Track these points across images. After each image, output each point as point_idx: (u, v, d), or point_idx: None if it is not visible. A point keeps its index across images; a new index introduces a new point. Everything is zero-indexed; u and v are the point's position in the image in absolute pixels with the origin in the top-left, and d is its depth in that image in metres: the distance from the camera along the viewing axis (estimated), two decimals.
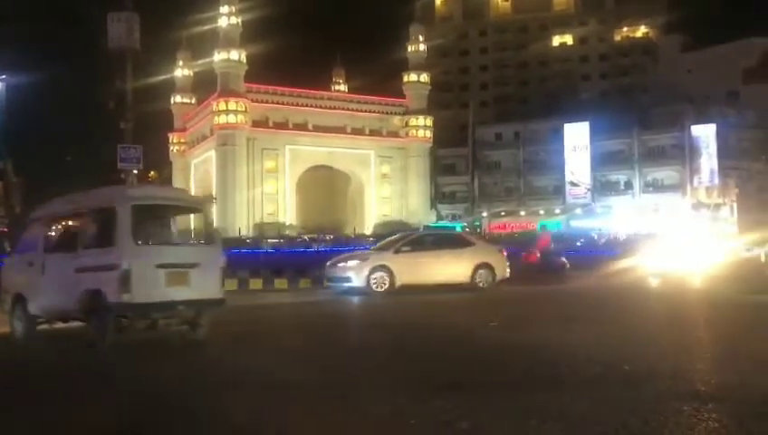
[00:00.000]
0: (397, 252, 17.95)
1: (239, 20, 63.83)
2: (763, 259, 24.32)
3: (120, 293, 8.53)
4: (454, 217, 77.12)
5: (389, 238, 21.10)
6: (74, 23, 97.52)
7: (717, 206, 66.46)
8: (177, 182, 75.53)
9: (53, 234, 10.34)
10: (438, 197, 79.14)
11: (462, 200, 79.21)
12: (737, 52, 74.38)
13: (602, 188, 72.88)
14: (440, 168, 78.71)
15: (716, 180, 67.11)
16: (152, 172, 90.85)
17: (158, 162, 79.79)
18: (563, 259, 23.62)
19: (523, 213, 73.14)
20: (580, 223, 67.55)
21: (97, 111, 42.95)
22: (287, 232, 58.85)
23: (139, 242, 9.03)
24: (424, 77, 70.29)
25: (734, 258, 24.71)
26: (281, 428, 5.15)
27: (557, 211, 71.94)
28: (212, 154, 65.51)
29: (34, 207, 11.98)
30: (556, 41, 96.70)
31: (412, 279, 17.49)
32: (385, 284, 17.15)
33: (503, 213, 74.59)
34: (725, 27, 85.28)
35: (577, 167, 72.22)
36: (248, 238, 52.74)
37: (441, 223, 73.31)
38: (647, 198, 70.13)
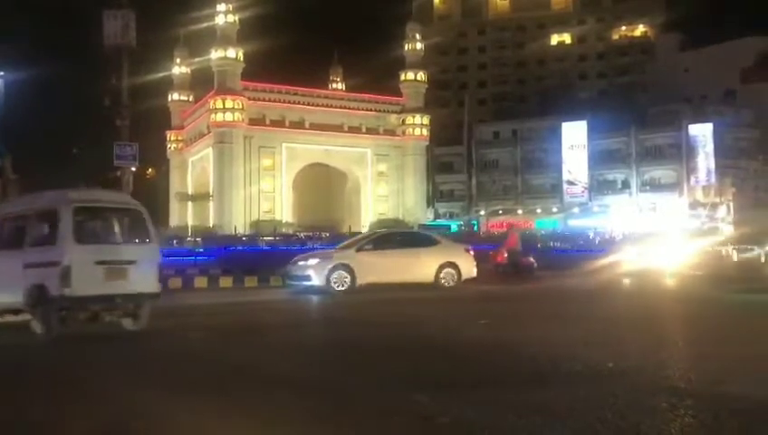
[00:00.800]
0: (359, 250, 17.78)
1: (236, 18, 63.86)
2: (763, 259, 24.30)
3: (62, 287, 9.31)
4: (451, 216, 77.27)
5: (355, 237, 21.01)
6: (73, 19, 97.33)
7: (714, 205, 66.53)
8: (175, 180, 75.51)
9: (5, 232, 11.04)
10: (436, 195, 79.16)
11: (460, 198, 79.36)
12: (735, 51, 74.46)
13: (599, 186, 72.90)
14: (438, 166, 78.68)
15: (713, 179, 67.17)
16: (150, 169, 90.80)
17: (157, 159, 79.73)
18: (531, 259, 23.37)
19: (520, 211, 73.31)
20: (577, 222, 67.72)
21: (95, 108, 42.93)
22: (284, 230, 58.91)
23: (80, 241, 9.74)
24: (421, 75, 70.28)
25: (712, 257, 24.88)
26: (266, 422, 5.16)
27: (554, 210, 72.14)
28: (209, 152, 65.53)
29: None
30: (554, 39, 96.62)
31: (374, 278, 17.21)
32: (346, 282, 16.90)
33: (500, 211, 74.75)
34: (723, 27, 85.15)
35: (574, 165, 72.27)
36: (244, 236, 52.87)
37: (439, 221, 73.49)
38: (644, 197, 70.15)
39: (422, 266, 17.87)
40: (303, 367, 7.35)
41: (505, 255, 22.83)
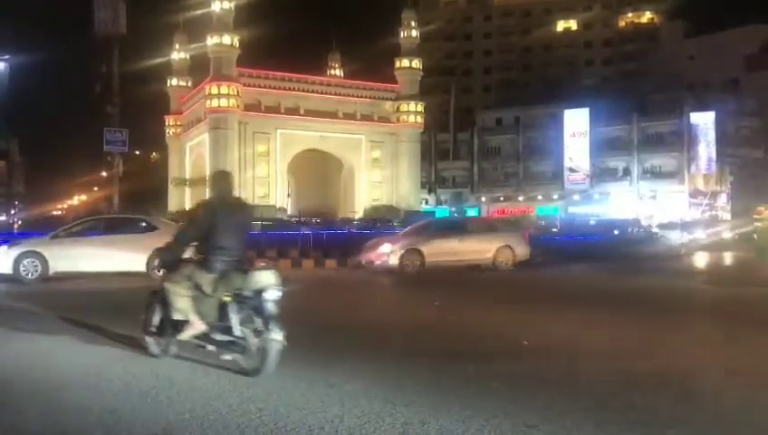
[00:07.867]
0: (54, 238, 17.21)
1: (232, 4, 63.72)
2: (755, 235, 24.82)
3: None
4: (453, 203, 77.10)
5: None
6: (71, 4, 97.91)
7: (715, 193, 65.81)
8: (173, 165, 75.90)
9: None
10: (438, 181, 78.82)
11: (462, 185, 79.07)
12: (740, 38, 73.25)
13: (601, 174, 72.21)
14: (440, 152, 78.33)
15: (714, 168, 66.34)
16: (154, 154, 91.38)
17: (160, 144, 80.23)
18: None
19: (521, 198, 73.04)
20: (577, 209, 67.26)
21: (93, 93, 43.39)
22: (278, 215, 58.93)
23: None
24: (416, 63, 69.59)
25: None
26: None
27: (555, 197, 71.71)
28: (205, 137, 65.69)
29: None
30: (560, 26, 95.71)
31: (70, 266, 16.71)
32: (36, 271, 16.38)
33: (501, 198, 74.51)
34: (732, 12, 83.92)
35: (576, 153, 71.68)
36: None
37: (439, 208, 73.48)
38: (644, 184, 69.46)
39: (133, 254, 16.74)
40: None
41: None
